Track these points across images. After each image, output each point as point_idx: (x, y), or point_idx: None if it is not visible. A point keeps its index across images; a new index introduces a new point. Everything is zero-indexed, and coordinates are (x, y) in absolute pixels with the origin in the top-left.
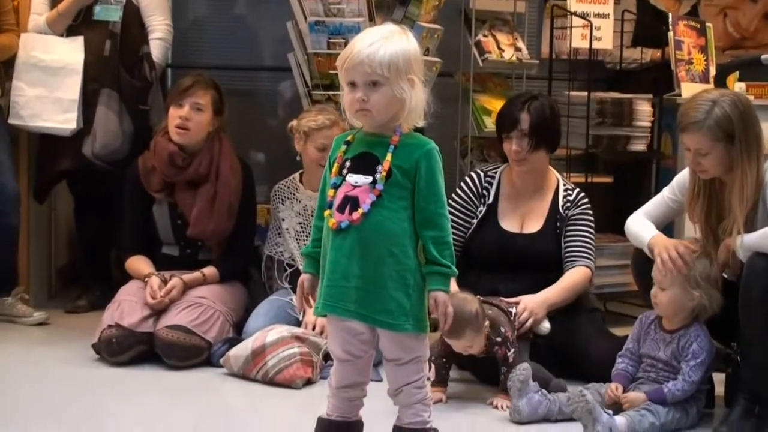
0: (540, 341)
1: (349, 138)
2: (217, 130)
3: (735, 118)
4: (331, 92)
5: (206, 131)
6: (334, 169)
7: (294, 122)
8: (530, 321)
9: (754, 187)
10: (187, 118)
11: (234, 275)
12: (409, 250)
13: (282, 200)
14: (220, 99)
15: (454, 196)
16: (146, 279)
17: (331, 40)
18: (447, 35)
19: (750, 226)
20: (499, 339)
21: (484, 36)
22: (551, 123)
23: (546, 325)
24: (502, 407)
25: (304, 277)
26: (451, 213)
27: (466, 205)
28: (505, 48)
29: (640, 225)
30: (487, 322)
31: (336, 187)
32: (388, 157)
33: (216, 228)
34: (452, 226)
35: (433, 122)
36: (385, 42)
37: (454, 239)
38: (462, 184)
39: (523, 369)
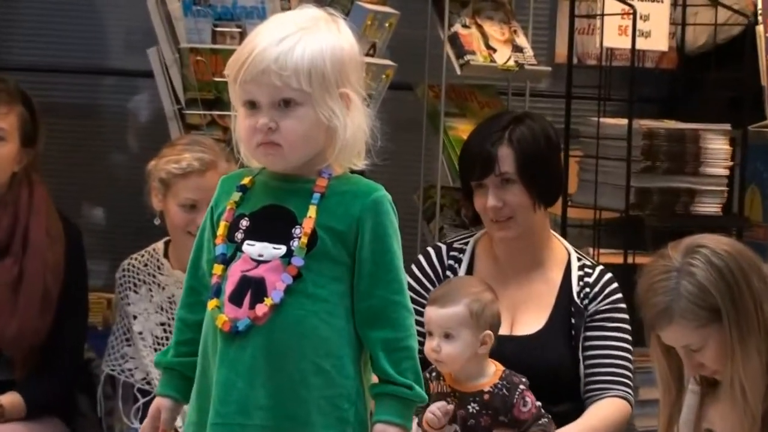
0: None
1: (245, 181)
2: (26, 169)
3: (714, 284)
4: (216, 112)
5: (9, 171)
6: (221, 230)
7: (153, 162)
8: None
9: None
10: None
11: (49, 406)
12: (347, 363)
13: (135, 285)
14: (33, 120)
15: None
16: None
17: (219, 29)
18: (406, 24)
19: None
20: (515, 390)
21: (465, 27)
22: (547, 158)
23: None
24: None
25: (160, 403)
26: None
27: (417, 298)
28: (497, 46)
29: None
30: (490, 334)
31: (226, 260)
32: (311, 212)
33: (22, 329)
34: None
35: (382, 163)
36: (305, 36)
37: None
38: (413, 265)
39: None
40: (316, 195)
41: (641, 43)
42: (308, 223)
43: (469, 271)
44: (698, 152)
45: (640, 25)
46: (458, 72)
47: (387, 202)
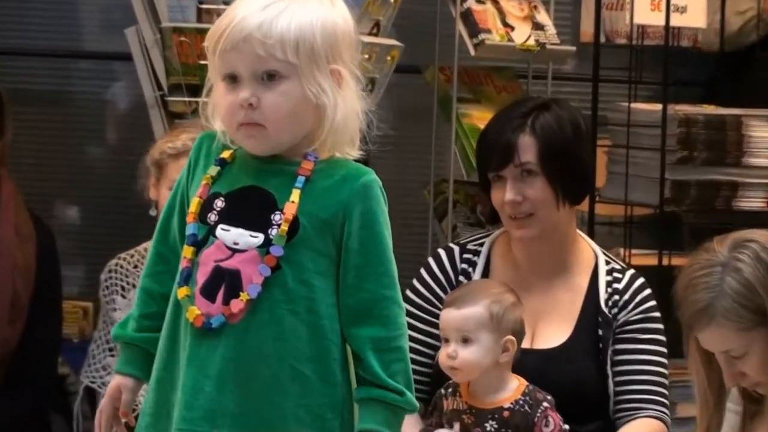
0: None
1: (225, 155)
2: None
3: (763, 283)
4: (202, 99)
5: None
6: (193, 207)
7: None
8: None
9: None
10: None
11: (19, 425)
12: (333, 368)
13: (123, 288)
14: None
15: (408, 293)
16: None
17: (205, 6)
18: (413, 0)
19: None
20: (538, 408)
21: (479, 2)
22: (574, 149)
23: None
24: None
25: (121, 383)
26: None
27: (427, 306)
28: (515, 24)
29: None
30: (513, 340)
31: (197, 243)
32: (294, 196)
33: None
34: (410, 348)
35: (385, 154)
36: (292, 4)
37: (415, 366)
38: (422, 269)
39: None
40: (301, 178)
41: (676, 20)
42: (290, 209)
43: (485, 276)
44: (741, 141)
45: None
46: (472, 53)
47: (377, 187)
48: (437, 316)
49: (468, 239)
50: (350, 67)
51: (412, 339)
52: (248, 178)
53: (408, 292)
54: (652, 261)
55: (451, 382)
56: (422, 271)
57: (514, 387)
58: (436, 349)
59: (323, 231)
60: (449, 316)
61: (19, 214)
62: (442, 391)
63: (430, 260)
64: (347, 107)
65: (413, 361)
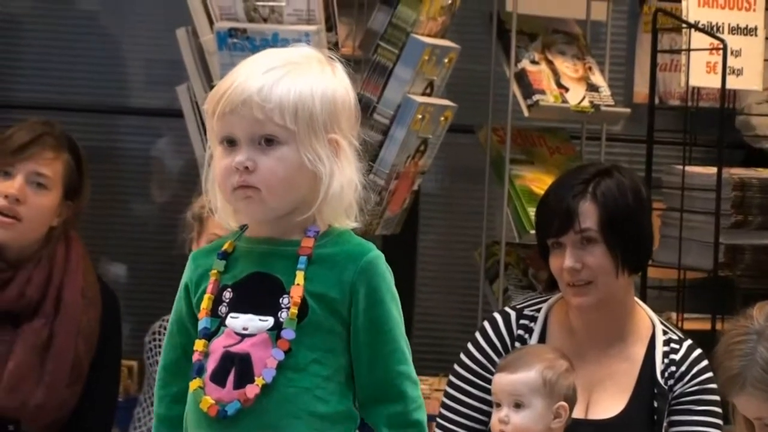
0: None
1: (226, 247)
2: (65, 225)
3: None
4: (204, 167)
5: (46, 225)
6: (205, 303)
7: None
8: None
9: None
10: (17, 198)
11: None
12: None
13: None
14: (79, 170)
15: (463, 357)
16: None
17: None
18: (467, 60)
19: None
20: None
21: (534, 62)
22: (635, 217)
23: None
24: None
25: None
26: (457, 388)
27: (481, 371)
28: (570, 85)
29: None
30: (565, 406)
31: (208, 335)
32: (299, 278)
33: (47, 400)
34: (463, 413)
35: (436, 214)
36: (294, 70)
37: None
38: (477, 333)
39: None
40: (303, 259)
41: (732, 82)
42: (296, 291)
43: (541, 342)
44: None
45: (731, 61)
46: (526, 113)
47: (381, 263)
48: (491, 382)
49: (524, 304)
50: (349, 137)
51: (465, 404)
52: (253, 265)
53: (462, 356)
54: (705, 326)
55: None
56: (477, 335)
57: None
58: (490, 415)
59: (331, 310)
60: (502, 380)
61: (87, 278)
62: None
63: (486, 324)
64: (344, 177)
65: (466, 428)
